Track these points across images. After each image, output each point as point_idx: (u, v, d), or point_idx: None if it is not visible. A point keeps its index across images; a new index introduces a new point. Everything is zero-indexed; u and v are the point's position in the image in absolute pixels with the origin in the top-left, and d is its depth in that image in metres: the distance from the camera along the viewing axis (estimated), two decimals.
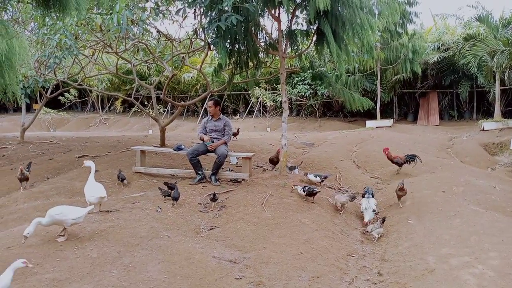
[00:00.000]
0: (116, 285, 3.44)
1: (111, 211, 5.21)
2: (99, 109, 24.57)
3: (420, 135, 13.82)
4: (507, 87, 15.44)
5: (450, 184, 6.72)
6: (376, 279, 4.13)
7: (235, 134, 11.80)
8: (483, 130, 13.64)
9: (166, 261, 3.88)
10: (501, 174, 8.81)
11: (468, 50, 13.94)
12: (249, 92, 19.26)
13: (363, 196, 6.15)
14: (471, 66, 14.56)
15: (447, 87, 18.08)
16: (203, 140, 7.02)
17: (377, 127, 15.85)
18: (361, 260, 4.67)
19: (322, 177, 6.85)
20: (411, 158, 8.11)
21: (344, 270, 4.31)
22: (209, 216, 5.43)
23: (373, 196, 6.06)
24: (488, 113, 16.78)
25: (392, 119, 17.30)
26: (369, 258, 4.73)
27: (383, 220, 5.49)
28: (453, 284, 3.52)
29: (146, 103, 22.37)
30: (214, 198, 5.73)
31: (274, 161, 7.77)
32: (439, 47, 17.12)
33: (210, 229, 5.02)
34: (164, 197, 5.80)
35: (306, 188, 6.00)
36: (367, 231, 5.43)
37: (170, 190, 5.87)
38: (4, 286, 3.02)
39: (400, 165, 8.17)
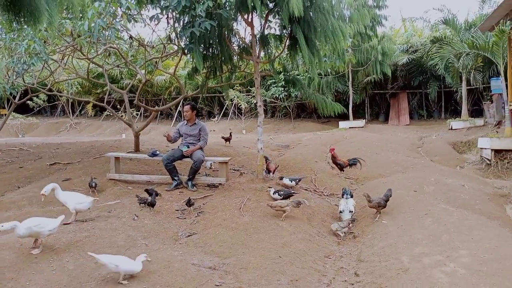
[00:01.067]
0: None
1: (86, 221, 5.13)
2: (69, 113, 23.93)
3: (391, 135, 14.15)
4: (473, 87, 16.03)
5: (421, 184, 6.93)
6: (353, 279, 4.22)
7: (227, 139, 11.61)
8: (451, 129, 14.12)
9: (145, 270, 3.86)
10: (469, 172, 9.14)
11: (436, 53, 14.39)
12: (224, 94, 19.21)
13: (342, 196, 6.19)
14: (438, 68, 15.04)
15: (416, 88, 18.62)
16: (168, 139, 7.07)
17: (350, 127, 16.12)
18: (338, 261, 4.76)
19: (297, 179, 6.92)
20: (353, 162, 8.31)
21: (322, 272, 4.39)
22: (186, 223, 5.41)
23: (351, 197, 6.16)
24: (455, 112, 17.38)
25: (364, 120, 17.65)
26: (346, 259, 4.83)
27: (353, 220, 5.64)
28: (427, 282, 3.65)
29: (118, 106, 21.98)
30: (189, 203, 5.71)
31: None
32: (408, 49, 17.61)
33: (188, 235, 5.00)
34: (145, 204, 5.67)
35: (282, 192, 6.08)
36: (333, 230, 5.54)
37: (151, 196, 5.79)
38: (136, 270, 3.72)
39: (341, 167, 8.32)
